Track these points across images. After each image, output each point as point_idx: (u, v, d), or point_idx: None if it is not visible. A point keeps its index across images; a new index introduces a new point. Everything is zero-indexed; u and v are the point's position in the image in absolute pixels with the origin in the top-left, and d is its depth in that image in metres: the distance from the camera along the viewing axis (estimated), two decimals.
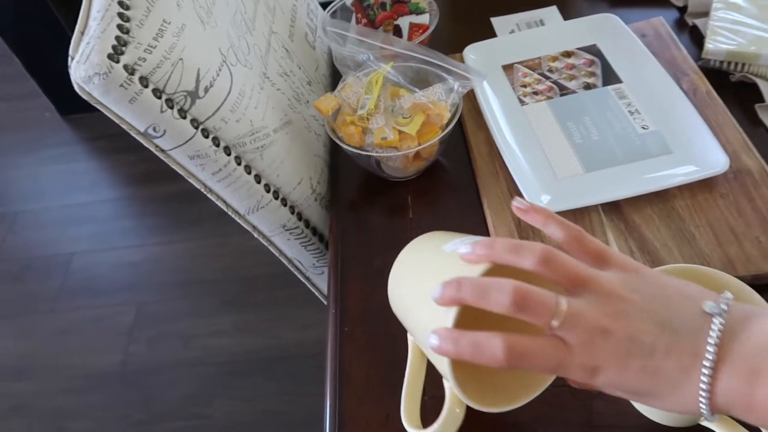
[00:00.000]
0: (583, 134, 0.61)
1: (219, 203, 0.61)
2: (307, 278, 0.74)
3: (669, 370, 0.30)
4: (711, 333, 0.30)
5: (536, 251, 0.32)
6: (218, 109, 0.53)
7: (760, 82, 0.62)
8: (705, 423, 0.41)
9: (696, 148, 0.57)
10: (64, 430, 1.29)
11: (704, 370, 0.29)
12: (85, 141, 1.89)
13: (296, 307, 1.37)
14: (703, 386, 0.29)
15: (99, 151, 1.85)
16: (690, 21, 0.71)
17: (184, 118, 0.51)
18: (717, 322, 0.30)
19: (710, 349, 0.30)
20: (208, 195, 0.60)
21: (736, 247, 0.50)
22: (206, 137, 0.54)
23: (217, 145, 0.55)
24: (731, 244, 0.51)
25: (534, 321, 0.31)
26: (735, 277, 0.41)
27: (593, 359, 0.31)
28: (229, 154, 0.56)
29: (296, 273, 0.73)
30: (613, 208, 0.55)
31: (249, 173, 0.58)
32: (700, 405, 0.30)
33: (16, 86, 2.07)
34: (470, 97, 0.67)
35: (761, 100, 0.61)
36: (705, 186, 0.55)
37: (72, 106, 1.94)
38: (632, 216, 0.54)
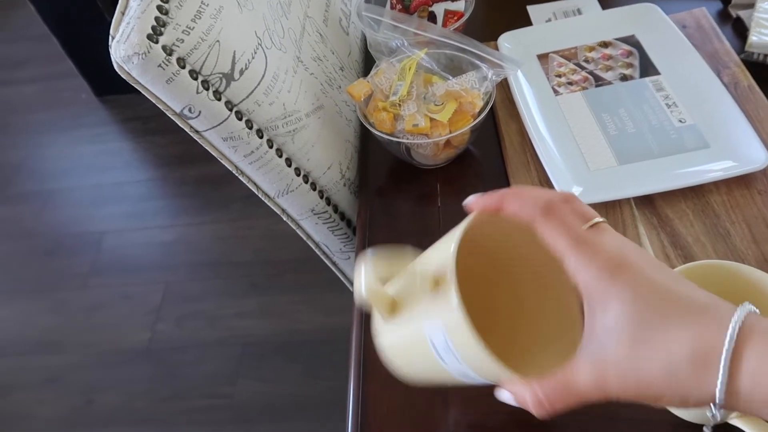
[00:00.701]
0: (618, 126, 0.60)
1: (250, 185, 0.61)
2: (334, 263, 0.74)
3: (694, 298, 0.28)
4: (745, 306, 0.27)
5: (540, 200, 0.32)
6: (252, 91, 0.54)
7: None
8: (731, 421, 0.40)
9: (734, 142, 0.55)
10: (92, 403, 1.33)
11: (737, 315, 0.26)
12: (120, 122, 1.92)
13: (321, 292, 1.38)
14: (733, 325, 0.26)
15: (133, 133, 1.88)
16: (734, 13, 0.69)
17: (219, 99, 0.52)
18: (749, 306, 0.28)
19: (742, 313, 0.27)
20: (240, 177, 0.60)
21: None
22: (240, 119, 0.54)
23: (250, 128, 0.55)
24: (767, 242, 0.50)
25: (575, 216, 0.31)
26: None
27: (624, 256, 0.29)
28: (261, 137, 0.57)
29: (323, 257, 0.73)
30: (646, 201, 0.54)
31: (280, 156, 0.59)
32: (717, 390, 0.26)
33: (54, 66, 2.11)
34: (503, 86, 0.67)
35: None
36: (742, 182, 0.54)
37: (107, 87, 1.97)
38: (665, 210, 0.53)
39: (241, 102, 0.53)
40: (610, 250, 0.29)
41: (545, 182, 0.57)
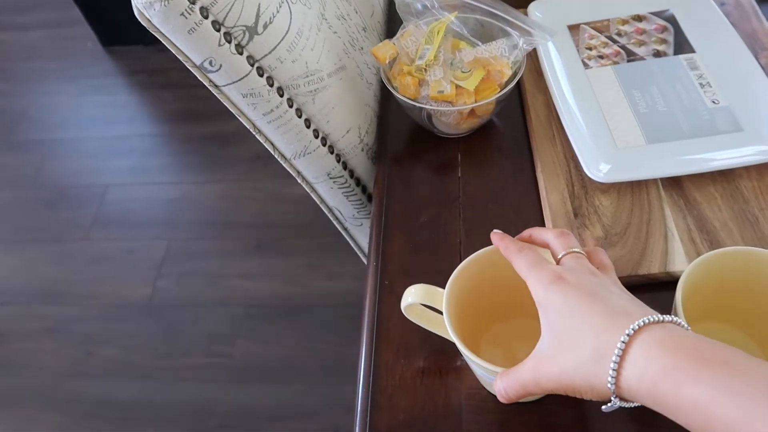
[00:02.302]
0: (649, 104, 0.58)
1: (267, 145, 0.60)
2: (345, 228, 0.73)
3: (617, 305, 0.33)
4: (651, 316, 0.32)
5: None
6: (275, 47, 0.52)
7: None
8: None
9: None
10: (92, 355, 1.33)
11: (642, 320, 0.31)
12: (126, 74, 1.89)
13: (324, 257, 1.37)
14: (632, 327, 0.31)
15: (139, 86, 1.85)
16: None
17: (241, 54, 0.50)
18: (665, 318, 0.32)
19: (661, 316, 0.32)
20: (257, 135, 0.59)
21: None
22: (261, 76, 0.52)
23: (271, 85, 0.54)
24: None
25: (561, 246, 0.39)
26: None
27: (566, 273, 0.36)
28: (282, 96, 0.55)
29: (335, 222, 0.72)
30: (674, 183, 0.53)
31: (300, 117, 0.57)
32: (609, 371, 0.31)
33: (60, 13, 2.06)
34: (531, 57, 0.65)
35: None
36: None
37: (115, 37, 1.93)
38: (693, 193, 0.52)
39: (263, 57, 0.51)
40: (557, 269, 0.36)
41: (570, 158, 0.56)
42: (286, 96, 0.55)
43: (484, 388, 0.46)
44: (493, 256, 0.43)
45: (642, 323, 0.31)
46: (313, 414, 1.17)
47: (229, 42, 0.49)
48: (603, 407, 0.34)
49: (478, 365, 0.40)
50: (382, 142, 0.65)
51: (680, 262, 0.48)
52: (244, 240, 1.45)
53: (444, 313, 0.42)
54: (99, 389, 1.28)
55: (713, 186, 0.52)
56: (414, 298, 0.44)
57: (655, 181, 0.53)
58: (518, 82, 0.64)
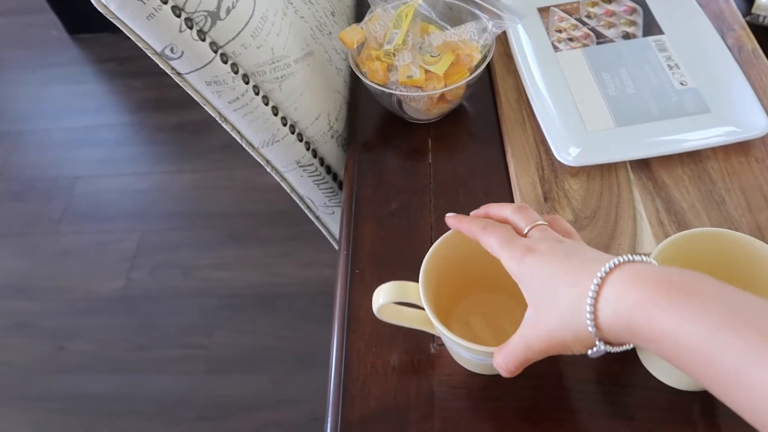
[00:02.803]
0: (618, 86, 0.58)
1: (233, 134, 0.58)
2: (317, 217, 0.73)
3: (589, 256, 0.35)
4: (622, 256, 0.32)
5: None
6: (239, 33, 0.50)
7: None
8: None
9: (735, 108, 0.54)
10: (64, 350, 1.31)
11: (613, 261, 0.32)
12: (93, 62, 1.84)
13: (299, 246, 1.36)
14: (604, 269, 0.32)
15: (107, 74, 1.80)
16: None
17: (203, 40, 0.49)
18: (635, 257, 0.33)
19: (613, 263, 0.32)
20: (223, 124, 0.57)
21: (767, 214, 0.49)
22: (225, 63, 0.51)
23: (236, 72, 0.52)
24: (762, 210, 0.49)
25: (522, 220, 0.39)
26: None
27: (536, 244, 0.36)
28: (247, 83, 0.54)
29: (306, 211, 0.71)
30: (642, 165, 0.53)
31: (266, 104, 0.56)
32: (592, 286, 0.32)
33: (23, 0, 2.00)
34: (501, 40, 0.64)
35: None
36: (741, 149, 0.53)
37: (80, 24, 1.87)
38: (661, 175, 0.52)
39: (227, 44, 0.50)
40: (527, 242, 0.37)
41: (541, 142, 0.56)
42: (251, 83, 0.54)
43: (457, 374, 0.46)
44: (461, 235, 0.43)
45: (614, 264, 0.32)
46: (292, 402, 1.17)
47: (191, 28, 0.48)
48: (589, 352, 0.34)
49: (467, 348, 0.40)
50: (352, 129, 0.64)
51: (649, 244, 0.48)
52: (217, 230, 1.43)
53: (425, 305, 0.41)
54: (72, 385, 1.26)
55: (681, 168, 0.53)
56: (386, 297, 0.43)
57: (624, 163, 0.53)
58: (488, 66, 0.64)
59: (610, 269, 0.32)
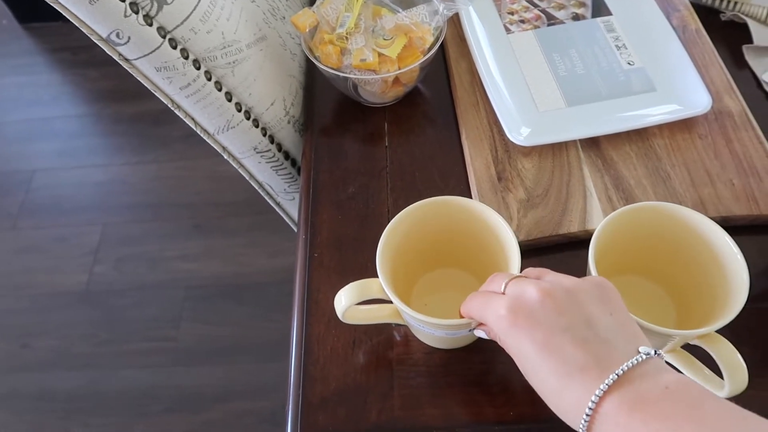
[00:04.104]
0: (568, 67, 0.59)
1: (187, 121, 0.58)
2: (278, 204, 0.72)
3: (571, 358, 0.31)
4: (631, 360, 0.31)
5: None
6: (188, 17, 0.50)
7: (750, 22, 0.61)
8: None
9: (679, 87, 0.56)
10: (28, 347, 1.28)
11: (602, 385, 0.30)
12: (46, 52, 1.79)
13: (266, 234, 1.36)
14: (593, 399, 0.30)
15: (61, 64, 1.75)
16: None
17: (150, 25, 0.48)
18: (641, 356, 0.31)
19: (622, 368, 0.30)
20: (176, 111, 0.57)
21: (709, 188, 0.50)
22: (174, 48, 0.50)
23: (186, 57, 0.52)
24: (705, 185, 0.51)
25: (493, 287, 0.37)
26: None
27: (517, 311, 0.34)
28: (198, 68, 0.53)
29: (267, 198, 0.71)
30: (592, 144, 0.54)
31: (219, 90, 0.56)
32: (583, 416, 0.30)
33: None
34: (454, 23, 0.65)
35: (750, 40, 0.60)
36: (685, 126, 0.54)
37: (32, 13, 1.82)
38: (610, 153, 0.54)
39: (175, 28, 0.49)
40: (507, 305, 0.34)
41: (494, 123, 0.57)
42: (203, 68, 0.53)
43: (416, 352, 0.47)
44: (417, 212, 0.44)
45: (601, 391, 0.30)
46: (265, 391, 1.17)
47: (137, 13, 0.47)
48: None
49: (435, 324, 0.40)
50: (308, 114, 0.64)
51: (598, 220, 0.49)
52: (182, 221, 1.41)
53: (387, 290, 0.40)
54: (38, 382, 1.24)
55: (629, 145, 0.54)
56: (348, 299, 0.42)
57: (574, 142, 0.55)
58: (443, 49, 0.64)
59: (599, 397, 0.30)
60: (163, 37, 0.49)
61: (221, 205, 1.42)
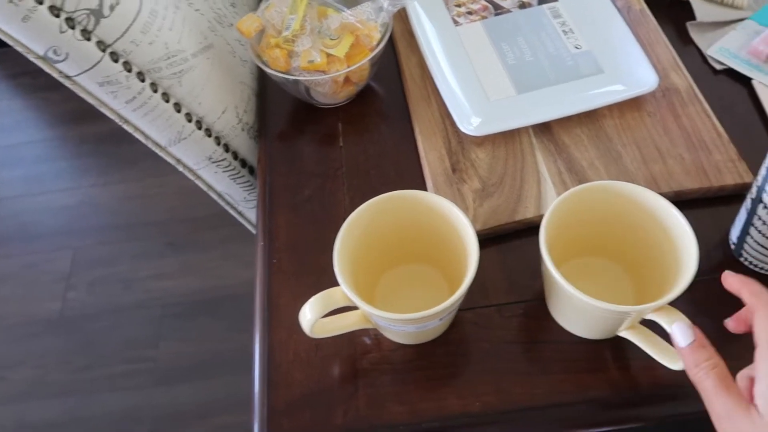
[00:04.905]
0: (517, 55, 0.59)
1: (137, 135, 0.57)
2: (240, 213, 0.72)
3: None
4: None
5: None
6: (127, 29, 0.49)
7: (693, 0, 0.62)
8: (621, 334, 0.42)
9: (626, 67, 0.56)
10: (4, 380, 1.26)
11: None
12: (6, 78, 1.75)
13: (240, 246, 1.34)
14: None
15: (21, 89, 1.72)
16: None
17: (89, 39, 0.47)
18: None
19: None
20: (125, 126, 0.56)
21: (660, 165, 0.51)
22: (116, 61, 0.50)
23: (129, 71, 0.51)
24: (656, 161, 0.51)
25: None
26: (658, 194, 0.41)
27: None
28: (143, 81, 0.52)
29: (228, 208, 0.71)
30: (544, 129, 0.55)
31: (167, 101, 0.55)
32: None
33: None
34: (403, 18, 0.64)
35: (694, 17, 0.61)
36: (634, 105, 0.55)
37: None
38: (562, 137, 0.54)
39: (115, 42, 0.49)
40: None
41: (446, 116, 0.56)
42: (148, 81, 0.53)
43: (378, 350, 0.46)
44: (369, 210, 0.43)
45: None
46: (244, 404, 1.14)
47: (73, 28, 0.46)
48: None
49: (402, 320, 0.40)
50: (262, 119, 0.63)
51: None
52: (154, 239, 1.39)
53: (355, 300, 0.40)
54: (15, 414, 1.21)
55: (580, 128, 0.54)
56: (313, 313, 0.41)
57: (527, 129, 0.55)
58: (393, 45, 0.64)
59: None
60: (103, 51, 0.48)
61: (193, 220, 1.40)
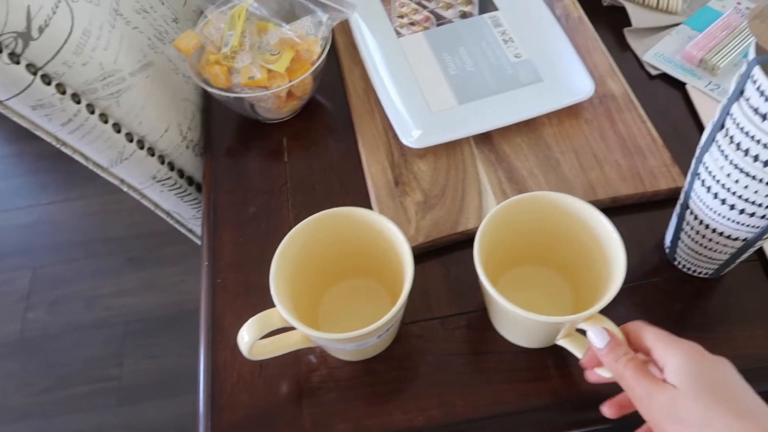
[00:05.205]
0: (458, 65, 0.59)
1: (76, 156, 0.56)
2: (190, 230, 0.71)
3: None
4: None
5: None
6: (58, 51, 0.48)
7: (628, 6, 0.63)
8: (558, 342, 0.43)
9: (564, 75, 0.57)
10: None
11: None
12: None
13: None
14: None
15: None
16: None
17: (18, 63, 0.46)
18: None
19: None
20: (62, 149, 0.55)
21: (597, 171, 0.52)
22: (48, 84, 0.49)
23: (63, 93, 0.50)
24: (593, 168, 0.52)
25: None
26: (594, 200, 0.42)
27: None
28: (78, 102, 0.51)
29: (177, 226, 0.70)
30: (485, 139, 0.55)
31: (105, 122, 0.54)
32: None
33: None
34: (346, 31, 0.65)
35: (630, 23, 0.62)
36: (572, 112, 0.56)
37: None
38: (502, 146, 0.54)
39: (46, 64, 0.48)
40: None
41: (389, 128, 0.57)
42: (83, 102, 0.52)
43: (322, 368, 0.46)
44: (306, 230, 0.43)
45: None
46: None
47: (0, 52, 0.45)
48: None
49: (343, 339, 0.39)
50: (207, 136, 0.62)
51: None
52: (115, 255, 1.37)
53: (291, 322, 0.39)
54: None
55: (520, 137, 0.55)
56: (251, 335, 0.41)
57: (468, 140, 0.55)
58: (336, 58, 0.64)
59: None
60: (34, 74, 0.47)
61: (154, 235, 1.38)
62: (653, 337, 0.36)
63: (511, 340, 0.46)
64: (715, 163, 0.38)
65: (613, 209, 0.49)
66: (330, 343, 0.43)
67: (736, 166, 0.36)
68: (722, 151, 0.37)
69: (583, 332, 0.42)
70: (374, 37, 0.62)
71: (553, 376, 0.45)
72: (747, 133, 0.34)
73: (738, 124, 0.35)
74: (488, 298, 0.42)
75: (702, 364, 0.33)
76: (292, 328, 0.42)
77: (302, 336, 0.44)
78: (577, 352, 0.41)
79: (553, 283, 0.47)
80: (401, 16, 0.64)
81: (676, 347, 0.34)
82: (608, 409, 0.40)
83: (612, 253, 0.40)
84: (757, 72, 0.32)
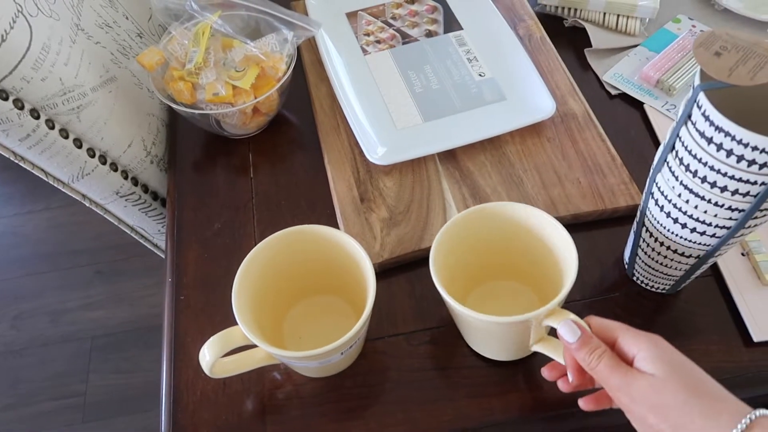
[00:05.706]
0: (423, 83, 0.60)
1: (36, 172, 0.55)
2: (155, 245, 0.70)
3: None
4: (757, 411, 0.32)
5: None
6: (16, 67, 0.47)
7: (588, 27, 0.64)
8: (533, 348, 0.43)
9: (527, 94, 0.58)
10: None
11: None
12: None
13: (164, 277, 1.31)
14: None
15: None
16: None
17: None
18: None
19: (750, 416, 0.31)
20: (21, 164, 0.54)
21: (558, 189, 0.53)
22: (5, 99, 0.48)
23: (21, 108, 0.49)
24: (555, 186, 0.53)
25: None
26: (556, 217, 0.42)
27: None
28: (37, 118, 0.51)
29: (142, 242, 0.69)
30: (449, 156, 0.56)
31: (66, 137, 0.53)
32: None
33: None
34: (314, 48, 0.65)
35: (591, 44, 0.64)
36: (534, 131, 0.57)
37: None
38: (466, 164, 0.55)
39: (3, 79, 0.47)
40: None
41: (355, 145, 0.57)
42: (43, 117, 0.51)
43: (286, 385, 0.46)
44: (276, 243, 0.43)
45: (752, 417, 0.31)
46: None
47: None
48: None
49: (310, 357, 0.39)
50: (171, 151, 0.62)
51: None
52: (82, 268, 1.34)
53: (254, 340, 0.40)
54: None
55: (484, 155, 0.56)
56: (212, 354, 0.41)
57: (433, 157, 0.56)
58: (303, 74, 0.64)
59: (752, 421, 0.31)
60: None
61: (123, 247, 1.36)
62: (620, 328, 0.37)
63: (486, 354, 0.46)
64: (666, 183, 0.39)
65: (574, 226, 0.50)
66: (293, 361, 0.43)
67: (685, 187, 0.37)
68: (673, 171, 0.38)
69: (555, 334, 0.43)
70: (340, 55, 0.63)
71: (520, 390, 0.45)
72: (695, 156, 0.35)
73: (686, 147, 0.36)
74: (452, 310, 0.42)
75: (672, 353, 0.35)
76: (255, 345, 0.42)
77: (265, 353, 0.43)
78: (555, 356, 0.41)
79: (523, 296, 0.47)
80: (367, 34, 0.65)
81: (645, 337, 0.36)
82: (585, 404, 0.40)
83: (565, 252, 0.41)
84: (702, 98, 0.33)
